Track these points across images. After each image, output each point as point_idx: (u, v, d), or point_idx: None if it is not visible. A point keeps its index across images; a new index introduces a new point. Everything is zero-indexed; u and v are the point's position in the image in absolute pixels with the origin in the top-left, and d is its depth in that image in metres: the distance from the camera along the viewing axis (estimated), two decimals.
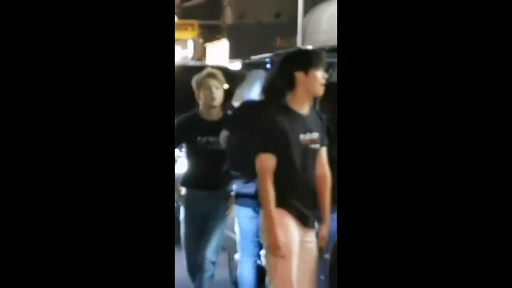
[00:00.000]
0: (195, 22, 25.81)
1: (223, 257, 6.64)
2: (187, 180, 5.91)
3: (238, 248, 5.62)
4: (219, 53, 24.34)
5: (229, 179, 5.47)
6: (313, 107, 4.80)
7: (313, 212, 4.62)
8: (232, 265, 6.63)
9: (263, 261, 5.47)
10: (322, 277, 5.38)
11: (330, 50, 5.77)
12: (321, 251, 4.71)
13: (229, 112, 5.88)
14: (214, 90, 5.79)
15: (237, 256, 5.77)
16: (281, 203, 4.48)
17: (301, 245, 4.55)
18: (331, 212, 4.97)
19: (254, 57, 7.98)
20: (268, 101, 5.44)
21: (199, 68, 12.46)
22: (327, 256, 5.18)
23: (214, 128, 5.71)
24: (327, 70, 5.62)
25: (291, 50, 5.53)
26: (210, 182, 5.65)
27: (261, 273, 5.70)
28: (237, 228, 5.60)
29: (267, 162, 4.46)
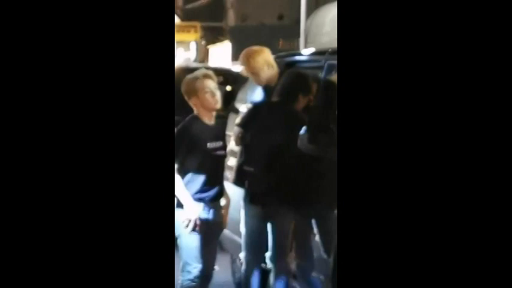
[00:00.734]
0: (197, 24, 25.82)
1: (225, 259, 6.64)
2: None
3: (243, 248, 5.61)
4: (221, 55, 24.34)
5: (243, 174, 5.52)
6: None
7: None
8: (234, 267, 6.62)
9: (268, 263, 5.49)
10: (322, 277, 5.39)
11: (333, 52, 5.78)
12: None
13: (233, 113, 5.89)
14: (215, 91, 5.42)
15: (241, 256, 5.77)
16: None
17: None
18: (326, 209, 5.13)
19: None
20: (281, 103, 5.51)
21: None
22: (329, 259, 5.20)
23: (217, 132, 5.58)
24: (330, 72, 5.67)
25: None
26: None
27: (265, 275, 5.71)
28: (242, 228, 5.60)
29: None
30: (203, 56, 26.72)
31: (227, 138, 5.78)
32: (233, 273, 6.70)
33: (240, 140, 5.58)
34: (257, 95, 6.03)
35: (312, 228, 5.43)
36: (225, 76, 10.74)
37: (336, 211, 5.07)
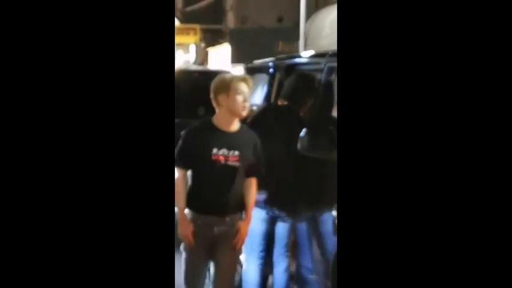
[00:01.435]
0: (197, 26, 25.82)
1: None
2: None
3: (245, 249, 5.63)
4: (221, 57, 24.35)
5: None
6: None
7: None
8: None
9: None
10: (316, 277, 5.40)
11: (333, 54, 5.79)
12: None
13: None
14: (247, 98, 4.99)
15: (242, 257, 5.78)
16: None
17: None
18: (326, 211, 5.10)
19: (257, 62, 8.01)
20: (289, 106, 5.52)
21: (201, 73, 12.48)
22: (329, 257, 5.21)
23: (234, 140, 5.04)
24: (330, 74, 5.68)
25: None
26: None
27: (265, 275, 5.73)
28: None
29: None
30: (202, 58, 26.72)
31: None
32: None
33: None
34: (257, 97, 6.04)
35: (311, 230, 5.45)
36: None
37: (334, 212, 5.09)
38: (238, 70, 9.40)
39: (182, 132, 5.04)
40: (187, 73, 12.01)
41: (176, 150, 4.94)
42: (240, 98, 4.97)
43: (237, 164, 4.98)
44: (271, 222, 5.57)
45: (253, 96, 6.15)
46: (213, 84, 5.06)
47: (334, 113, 5.46)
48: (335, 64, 5.50)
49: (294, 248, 5.63)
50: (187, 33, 25.49)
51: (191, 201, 4.98)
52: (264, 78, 7.05)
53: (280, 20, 22.93)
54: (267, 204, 5.49)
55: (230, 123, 5.03)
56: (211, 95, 5.06)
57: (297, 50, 16.77)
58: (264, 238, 5.56)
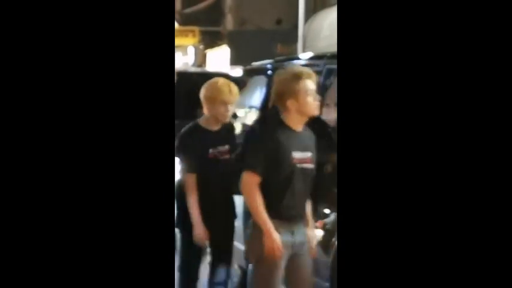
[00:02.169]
0: (195, 28, 25.81)
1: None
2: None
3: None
4: (219, 59, 24.36)
5: None
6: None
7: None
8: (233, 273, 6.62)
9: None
10: (320, 279, 5.40)
11: (331, 56, 5.80)
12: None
13: (232, 118, 5.85)
14: (316, 95, 4.64)
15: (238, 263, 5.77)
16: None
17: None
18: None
19: (255, 64, 8.01)
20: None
21: (201, 75, 12.50)
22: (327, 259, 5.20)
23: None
24: (329, 76, 5.67)
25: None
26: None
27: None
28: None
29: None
30: (201, 60, 26.72)
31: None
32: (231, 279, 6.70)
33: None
34: (255, 99, 6.04)
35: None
36: None
37: (333, 214, 5.09)
38: (237, 72, 9.41)
39: (250, 137, 4.90)
40: (185, 75, 12.03)
41: (251, 155, 4.64)
42: (310, 99, 4.61)
43: (310, 166, 4.70)
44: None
45: (252, 98, 6.14)
46: (276, 87, 4.67)
47: (324, 115, 5.45)
48: (334, 66, 5.51)
49: None
50: (186, 35, 25.48)
51: (273, 209, 4.57)
52: (262, 80, 7.05)
53: (278, 22, 22.94)
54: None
55: (301, 122, 4.69)
56: (274, 98, 4.68)
57: (296, 52, 16.77)
58: None
